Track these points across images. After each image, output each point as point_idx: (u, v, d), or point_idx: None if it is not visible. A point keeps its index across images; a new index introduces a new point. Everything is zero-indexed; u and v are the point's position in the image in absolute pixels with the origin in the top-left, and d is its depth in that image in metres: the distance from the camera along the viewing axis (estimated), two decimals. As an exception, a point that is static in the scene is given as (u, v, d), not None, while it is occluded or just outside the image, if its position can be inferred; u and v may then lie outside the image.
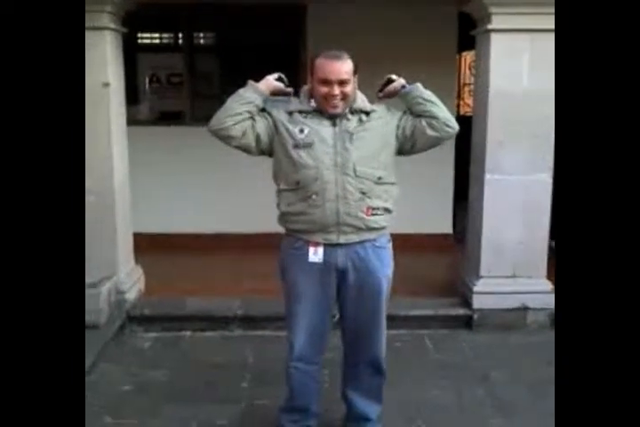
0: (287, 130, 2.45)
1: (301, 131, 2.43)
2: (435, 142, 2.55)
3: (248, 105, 2.47)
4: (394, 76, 2.63)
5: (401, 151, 2.57)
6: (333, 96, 2.38)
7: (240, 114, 2.46)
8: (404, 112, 2.56)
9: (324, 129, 2.44)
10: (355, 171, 2.41)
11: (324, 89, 2.38)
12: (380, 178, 2.47)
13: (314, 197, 2.42)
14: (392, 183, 2.54)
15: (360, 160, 2.42)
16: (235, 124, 2.45)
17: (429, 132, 2.50)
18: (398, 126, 2.52)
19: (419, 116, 2.52)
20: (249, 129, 2.47)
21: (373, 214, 2.47)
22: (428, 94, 2.55)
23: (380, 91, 2.64)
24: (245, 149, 2.53)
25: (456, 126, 2.56)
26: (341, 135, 2.43)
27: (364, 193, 2.43)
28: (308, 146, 2.42)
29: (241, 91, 2.52)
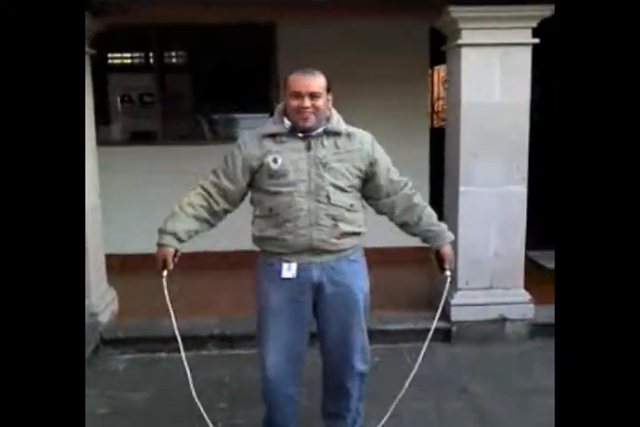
0: (261, 162, 2.43)
1: (275, 161, 2.40)
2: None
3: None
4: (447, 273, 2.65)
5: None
6: (305, 108, 2.35)
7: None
8: (380, 160, 2.53)
9: (298, 155, 2.41)
10: (328, 198, 2.41)
11: (296, 102, 2.37)
12: (352, 205, 2.48)
13: (287, 224, 2.41)
14: (361, 210, 2.56)
15: (334, 188, 2.41)
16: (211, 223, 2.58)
17: (373, 202, 2.62)
18: (367, 171, 2.51)
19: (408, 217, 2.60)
20: (230, 202, 2.53)
21: (345, 238, 2.47)
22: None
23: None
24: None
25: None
26: (315, 163, 2.40)
27: (335, 220, 2.43)
28: (282, 176, 2.40)
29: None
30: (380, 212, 2.64)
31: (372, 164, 2.49)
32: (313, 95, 2.37)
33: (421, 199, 2.63)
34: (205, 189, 2.51)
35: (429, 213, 2.62)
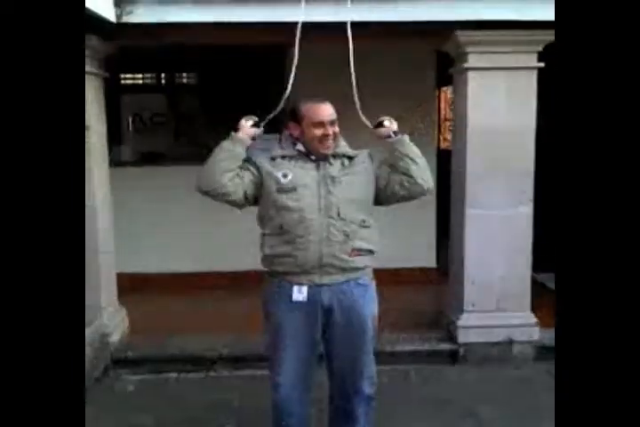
0: (271, 176, 2.48)
1: (285, 175, 2.47)
2: (405, 199, 2.59)
3: (237, 159, 2.50)
4: (386, 122, 2.66)
5: (378, 200, 2.61)
6: (327, 136, 2.45)
7: (232, 170, 2.48)
8: (381, 162, 2.61)
9: (308, 173, 2.48)
10: (339, 214, 2.45)
11: (319, 131, 2.45)
12: (363, 221, 2.51)
13: (298, 240, 2.44)
14: (374, 227, 2.58)
15: (344, 203, 2.46)
16: (229, 181, 2.47)
17: (399, 190, 2.55)
18: (376, 175, 2.58)
19: (395, 169, 2.55)
20: (239, 185, 2.50)
21: (357, 255, 2.50)
22: (412, 151, 2.57)
23: (375, 127, 2.67)
24: (234, 204, 2.56)
25: (430, 185, 2.58)
26: (324, 179, 2.47)
27: (347, 235, 2.46)
28: (291, 190, 2.45)
29: (226, 144, 2.52)
30: (390, 192, 2.58)
31: (375, 175, 2.58)
32: (332, 123, 2.48)
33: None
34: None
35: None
